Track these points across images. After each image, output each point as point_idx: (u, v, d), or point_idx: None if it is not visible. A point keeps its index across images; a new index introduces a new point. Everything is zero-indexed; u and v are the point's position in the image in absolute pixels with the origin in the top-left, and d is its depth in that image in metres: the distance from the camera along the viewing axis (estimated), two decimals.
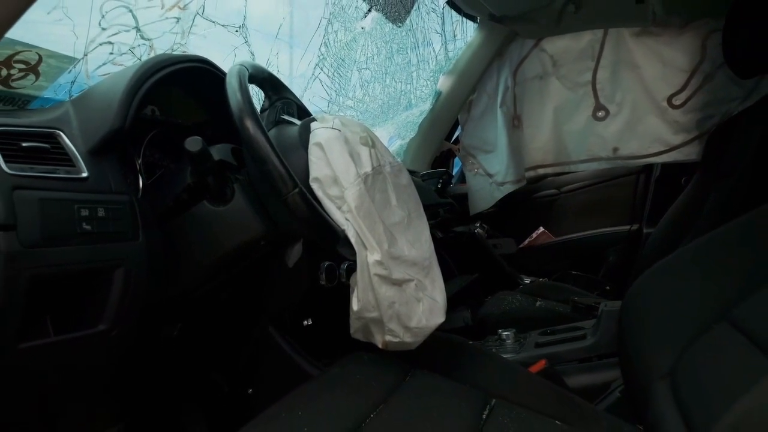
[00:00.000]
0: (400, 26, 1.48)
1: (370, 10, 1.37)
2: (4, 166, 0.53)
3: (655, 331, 0.72)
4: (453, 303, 1.50)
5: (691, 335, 0.66)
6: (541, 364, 0.89)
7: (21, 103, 0.83)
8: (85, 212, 0.57)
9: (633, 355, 0.74)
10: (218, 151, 0.75)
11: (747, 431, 0.31)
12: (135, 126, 0.69)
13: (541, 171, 1.84)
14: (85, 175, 0.61)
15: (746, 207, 0.72)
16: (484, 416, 0.70)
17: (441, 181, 1.69)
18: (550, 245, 1.97)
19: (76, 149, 0.63)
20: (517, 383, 0.79)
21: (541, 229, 2.00)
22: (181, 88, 0.88)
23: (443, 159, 2.02)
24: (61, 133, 0.63)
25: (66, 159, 0.61)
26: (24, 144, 0.57)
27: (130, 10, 0.84)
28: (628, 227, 1.84)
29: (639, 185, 1.86)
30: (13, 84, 0.77)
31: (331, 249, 0.73)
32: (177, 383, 0.94)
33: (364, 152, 0.75)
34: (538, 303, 1.40)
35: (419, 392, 0.74)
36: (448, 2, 1.56)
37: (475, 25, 1.71)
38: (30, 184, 0.54)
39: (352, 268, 0.72)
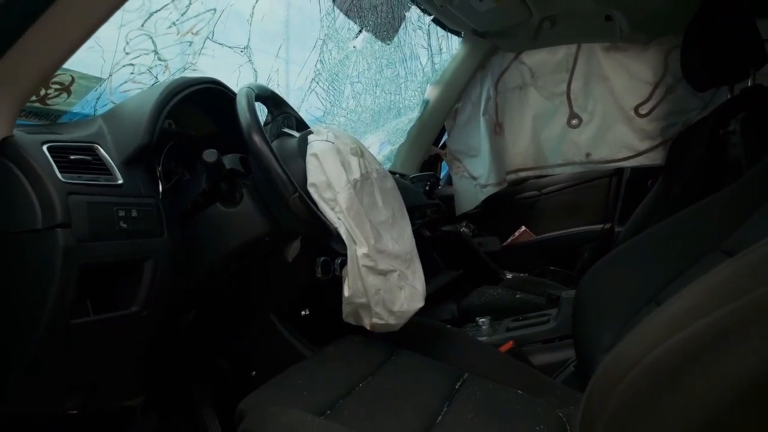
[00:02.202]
0: (388, 43, 1.59)
1: (360, 31, 1.49)
2: (59, 175, 0.64)
3: (600, 313, 0.84)
4: (440, 297, 1.60)
5: (628, 316, 0.79)
6: (509, 345, 1.00)
7: (53, 117, 0.94)
8: (122, 213, 0.69)
9: (583, 335, 0.86)
10: (229, 161, 0.86)
11: (606, 377, 0.40)
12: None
13: (521, 174, 1.96)
14: (120, 182, 0.72)
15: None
16: (456, 387, 0.81)
17: (429, 183, 1.78)
18: (531, 243, 2.06)
19: (112, 160, 0.74)
20: (487, 360, 0.90)
21: (523, 228, 2.10)
22: (193, 104, 0.99)
23: (431, 163, 2.12)
24: (99, 147, 0.74)
25: (104, 169, 0.72)
26: (72, 156, 0.68)
27: (151, 37, 0.96)
28: (601, 226, 1.95)
29: (611, 187, 1.97)
30: (49, 102, 0.88)
31: (326, 244, 0.85)
32: (189, 365, 1.05)
33: (354, 161, 0.86)
34: (517, 295, 1.50)
35: (403, 367, 0.85)
36: (433, 19, 1.67)
37: (460, 39, 1.82)
38: (79, 190, 0.66)
39: (345, 263, 0.82)
